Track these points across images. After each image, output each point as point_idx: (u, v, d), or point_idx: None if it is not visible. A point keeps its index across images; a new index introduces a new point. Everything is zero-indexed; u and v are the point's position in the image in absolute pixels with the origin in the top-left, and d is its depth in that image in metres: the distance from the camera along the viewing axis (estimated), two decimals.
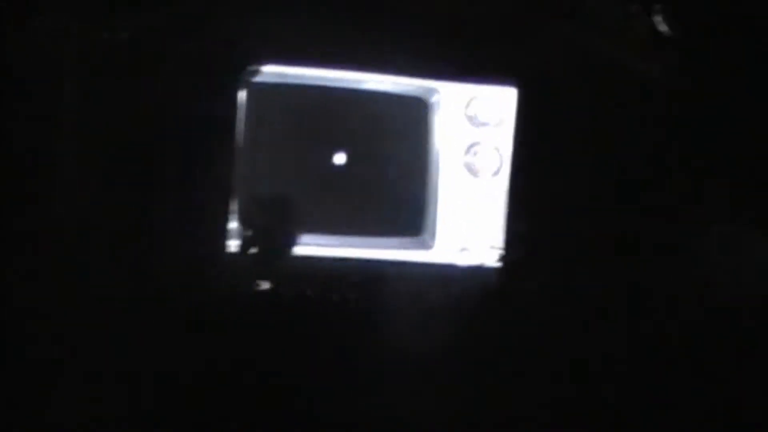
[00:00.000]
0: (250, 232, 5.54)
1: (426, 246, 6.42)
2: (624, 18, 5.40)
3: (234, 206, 5.69)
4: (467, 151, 6.36)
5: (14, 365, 4.48)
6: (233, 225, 5.68)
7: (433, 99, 6.43)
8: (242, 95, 5.79)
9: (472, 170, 6.36)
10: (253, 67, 5.76)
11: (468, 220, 6.35)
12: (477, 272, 6.05)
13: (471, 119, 6.36)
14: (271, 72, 5.87)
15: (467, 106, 6.35)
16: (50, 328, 4.61)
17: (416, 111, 6.43)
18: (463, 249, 6.28)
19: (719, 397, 4.65)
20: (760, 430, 4.56)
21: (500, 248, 6.04)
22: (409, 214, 6.42)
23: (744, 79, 5.24)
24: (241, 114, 5.79)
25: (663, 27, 5.28)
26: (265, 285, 5.36)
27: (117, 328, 4.68)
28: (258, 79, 5.82)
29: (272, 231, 5.56)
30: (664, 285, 5.32)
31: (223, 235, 5.65)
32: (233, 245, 5.62)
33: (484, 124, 6.36)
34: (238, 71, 5.71)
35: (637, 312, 5.15)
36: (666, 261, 5.45)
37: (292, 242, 5.64)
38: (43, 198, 4.89)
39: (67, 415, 4.39)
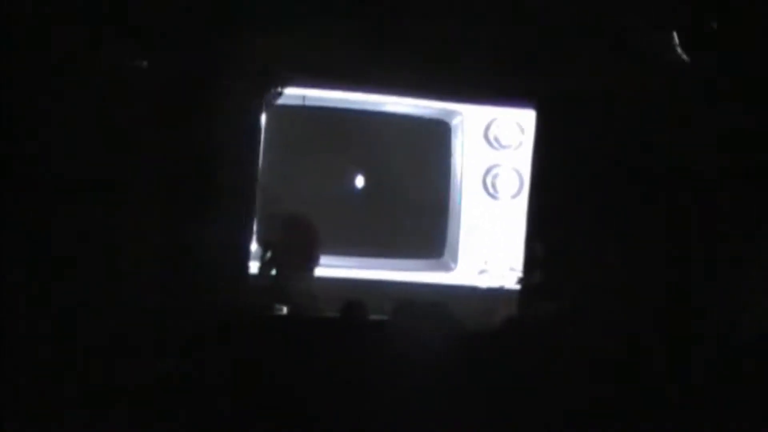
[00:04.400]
0: (269, 254, 5.55)
1: (447, 268, 6.45)
2: (643, 43, 5.39)
3: (254, 228, 5.72)
4: (487, 173, 6.39)
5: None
6: (253, 247, 5.72)
7: (455, 121, 6.47)
8: (264, 118, 5.83)
9: (492, 192, 6.40)
10: (275, 90, 5.79)
11: (488, 243, 6.37)
12: (497, 294, 6.06)
13: (491, 142, 6.40)
14: (294, 95, 5.93)
15: (487, 128, 6.39)
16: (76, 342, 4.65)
17: (438, 133, 6.49)
18: (483, 271, 6.30)
19: None
20: None
21: (520, 270, 6.04)
22: (430, 236, 6.46)
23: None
24: (263, 137, 5.84)
25: (682, 52, 5.27)
26: (284, 307, 5.37)
27: (143, 346, 4.72)
28: (280, 101, 5.86)
29: (292, 253, 5.57)
30: (685, 305, 5.30)
31: (246, 257, 5.68)
32: (253, 267, 5.64)
33: (504, 147, 6.40)
34: (261, 95, 5.74)
35: (658, 330, 5.14)
36: (688, 282, 5.42)
37: (313, 264, 5.65)
38: (72, 215, 4.95)
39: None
